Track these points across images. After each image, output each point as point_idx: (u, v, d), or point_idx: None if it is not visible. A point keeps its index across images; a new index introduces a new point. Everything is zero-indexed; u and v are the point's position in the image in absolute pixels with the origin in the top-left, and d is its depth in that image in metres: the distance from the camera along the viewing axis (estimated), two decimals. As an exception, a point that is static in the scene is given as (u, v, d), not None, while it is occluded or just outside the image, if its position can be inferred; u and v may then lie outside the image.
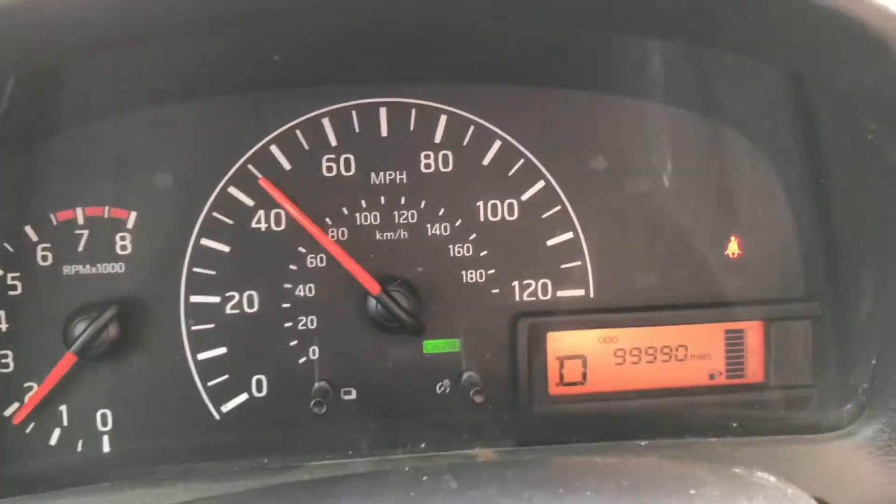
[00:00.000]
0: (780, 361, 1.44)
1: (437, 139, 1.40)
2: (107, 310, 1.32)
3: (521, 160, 1.41)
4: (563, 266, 1.42)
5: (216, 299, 1.37)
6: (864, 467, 1.27)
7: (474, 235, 1.40)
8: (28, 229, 1.34)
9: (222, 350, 1.37)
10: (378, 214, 1.39)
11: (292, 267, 1.38)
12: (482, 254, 1.41)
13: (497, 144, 1.40)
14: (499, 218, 1.41)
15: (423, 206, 1.40)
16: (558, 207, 1.41)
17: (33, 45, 1.10)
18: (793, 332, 1.44)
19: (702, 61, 1.38)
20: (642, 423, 1.39)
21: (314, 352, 1.39)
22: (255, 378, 1.38)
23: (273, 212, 1.37)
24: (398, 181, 1.40)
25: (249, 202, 1.37)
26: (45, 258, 1.35)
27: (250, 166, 1.37)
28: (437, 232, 1.40)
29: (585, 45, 1.35)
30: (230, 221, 1.37)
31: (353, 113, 1.39)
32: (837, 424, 1.34)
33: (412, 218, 1.40)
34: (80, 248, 1.35)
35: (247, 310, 1.37)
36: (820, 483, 1.26)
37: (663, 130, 1.44)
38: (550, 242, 1.41)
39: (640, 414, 1.42)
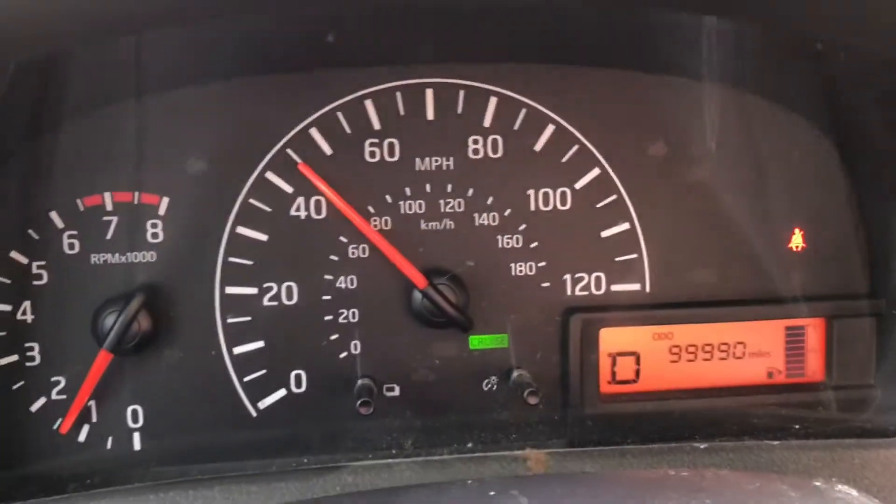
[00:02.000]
0: (843, 360, 1.37)
1: (487, 123, 1.32)
2: (134, 300, 1.25)
3: (576, 146, 1.33)
4: (618, 259, 1.34)
5: (253, 290, 1.30)
6: (935, 475, 1.22)
7: (524, 226, 1.33)
8: (54, 215, 1.27)
9: (259, 344, 1.31)
10: (423, 203, 1.32)
11: (333, 257, 1.31)
12: (532, 245, 1.33)
13: (550, 129, 1.32)
14: (550, 207, 1.33)
15: (470, 194, 1.32)
16: (614, 196, 1.33)
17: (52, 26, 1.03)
18: (856, 330, 1.37)
19: (767, 44, 1.30)
20: (699, 424, 1.33)
21: (356, 346, 1.32)
22: (293, 373, 1.32)
23: (313, 199, 1.30)
24: (444, 168, 1.32)
25: (288, 188, 1.29)
26: (71, 246, 1.28)
27: (289, 150, 1.29)
28: (486, 222, 1.33)
29: (644, 24, 1.27)
30: (268, 209, 1.30)
31: (398, 94, 1.30)
32: (905, 428, 1.28)
33: (459, 207, 1.32)
34: (109, 236, 1.28)
35: (285, 302, 1.30)
36: (889, 491, 1.20)
37: (725, 116, 1.35)
38: (605, 234, 1.34)
39: (697, 414, 1.35)
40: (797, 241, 1.37)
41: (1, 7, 0.91)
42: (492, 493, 0.93)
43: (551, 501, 0.91)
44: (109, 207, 1.28)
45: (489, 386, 1.35)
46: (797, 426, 1.32)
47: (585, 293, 1.34)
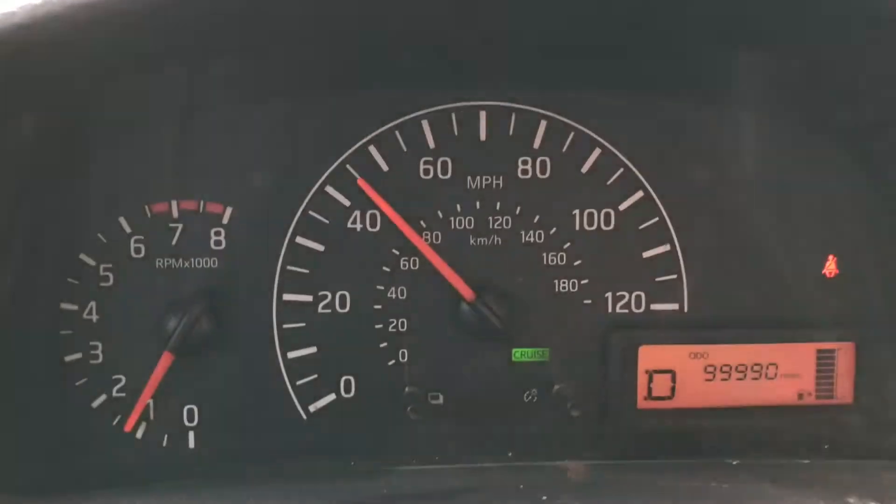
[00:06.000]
0: (871, 384, 1.42)
1: (536, 145, 1.38)
2: (197, 303, 1.31)
3: (621, 169, 1.38)
4: (658, 279, 1.39)
5: (308, 298, 1.36)
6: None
7: (569, 244, 1.38)
8: (122, 220, 1.34)
9: (312, 349, 1.36)
10: (473, 219, 1.37)
11: (385, 269, 1.37)
12: (576, 263, 1.39)
13: (596, 152, 1.38)
14: (594, 227, 1.39)
15: (518, 212, 1.38)
16: (656, 219, 1.39)
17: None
18: (886, 355, 1.42)
19: (804, 73, 1.36)
20: (731, 441, 1.37)
21: (404, 355, 1.37)
22: (343, 378, 1.37)
23: (369, 212, 1.36)
24: (494, 186, 1.38)
25: (346, 202, 1.36)
26: (138, 250, 1.34)
27: (348, 166, 1.35)
28: (532, 239, 1.38)
29: (690, 54, 1.33)
30: (326, 221, 1.36)
31: (453, 116, 1.37)
32: (933, 451, 1.32)
33: (507, 224, 1.38)
34: (174, 242, 1.34)
35: (338, 310, 1.36)
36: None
37: (765, 144, 1.41)
38: (646, 254, 1.39)
39: (729, 431, 1.39)
40: (830, 267, 1.42)
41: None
42: (544, 497, 0.98)
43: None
44: (175, 215, 1.34)
45: (530, 398, 1.39)
46: (826, 446, 1.37)
47: (626, 311, 1.39)
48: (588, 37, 1.28)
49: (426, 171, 1.37)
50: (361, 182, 1.34)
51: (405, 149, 1.36)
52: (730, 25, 1.24)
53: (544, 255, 1.38)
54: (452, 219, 1.37)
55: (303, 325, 1.36)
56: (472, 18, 1.23)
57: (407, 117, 1.36)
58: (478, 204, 1.37)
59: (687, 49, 1.31)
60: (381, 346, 1.37)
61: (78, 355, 1.34)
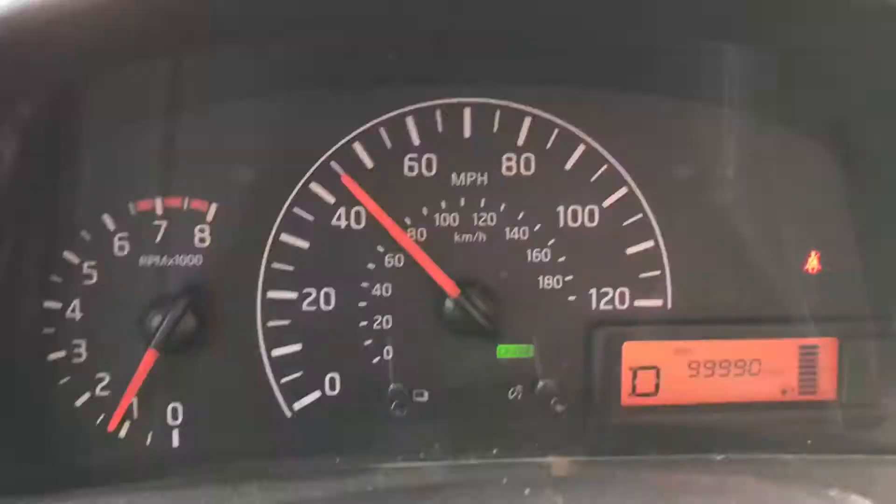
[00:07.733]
0: (854, 379, 1.42)
1: (520, 142, 1.38)
2: (181, 301, 1.31)
3: (604, 166, 1.39)
4: (642, 275, 1.40)
5: (293, 295, 1.36)
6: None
7: (553, 241, 1.39)
8: (106, 218, 1.33)
9: (297, 347, 1.36)
10: (457, 216, 1.38)
11: (370, 266, 1.37)
12: (560, 259, 1.39)
13: (581, 149, 1.39)
14: (578, 224, 1.39)
15: (502, 209, 1.38)
16: (640, 215, 1.39)
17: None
18: (868, 351, 1.43)
19: (789, 72, 1.37)
20: (715, 437, 1.37)
21: (388, 352, 1.37)
22: (328, 376, 1.37)
23: (353, 209, 1.36)
24: (479, 183, 1.38)
25: (330, 199, 1.36)
26: (121, 248, 1.33)
27: (333, 163, 1.35)
28: (516, 236, 1.39)
29: (674, 50, 1.34)
30: (310, 218, 1.35)
31: (438, 112, 1.37)
32: (914, 446, 1.33)
33: (491, 221, 1.38)
34: (158, 239, 1.34)
35: (323, 307, 1.36)
36: (898, 506, 1.25)
37: (748, 141, 1.42)
38: (630, 251, 1.40)
39: (713, 427, 1.40)
40: (813, 263, 1.43)
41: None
42: (526, 491, 0.99)
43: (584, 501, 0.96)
44: (160, 212, 1.34)
45: (514, 394, 1.40)
46: (810, 441, 1.37)
47: (610, 307, 1.40)
48: (572, 34, 1.29)
49: (411, 168, 1.37)
50: (346, 179, 1.35)
51: (390, 146, 1.36)
52: (711, 23, 1.25)
53: (528, 251, 1.39)
54: (437, 216, 1.37)
55: (287, 322, 1.36)
56: (457, 16, 1.24)
57: (392, 114, 1.36)
58: (462, 201, 1.38)
59: (670, 46, 1.32)
60: (366, 343, 1.37)
61: (61, 354, 1.33)
